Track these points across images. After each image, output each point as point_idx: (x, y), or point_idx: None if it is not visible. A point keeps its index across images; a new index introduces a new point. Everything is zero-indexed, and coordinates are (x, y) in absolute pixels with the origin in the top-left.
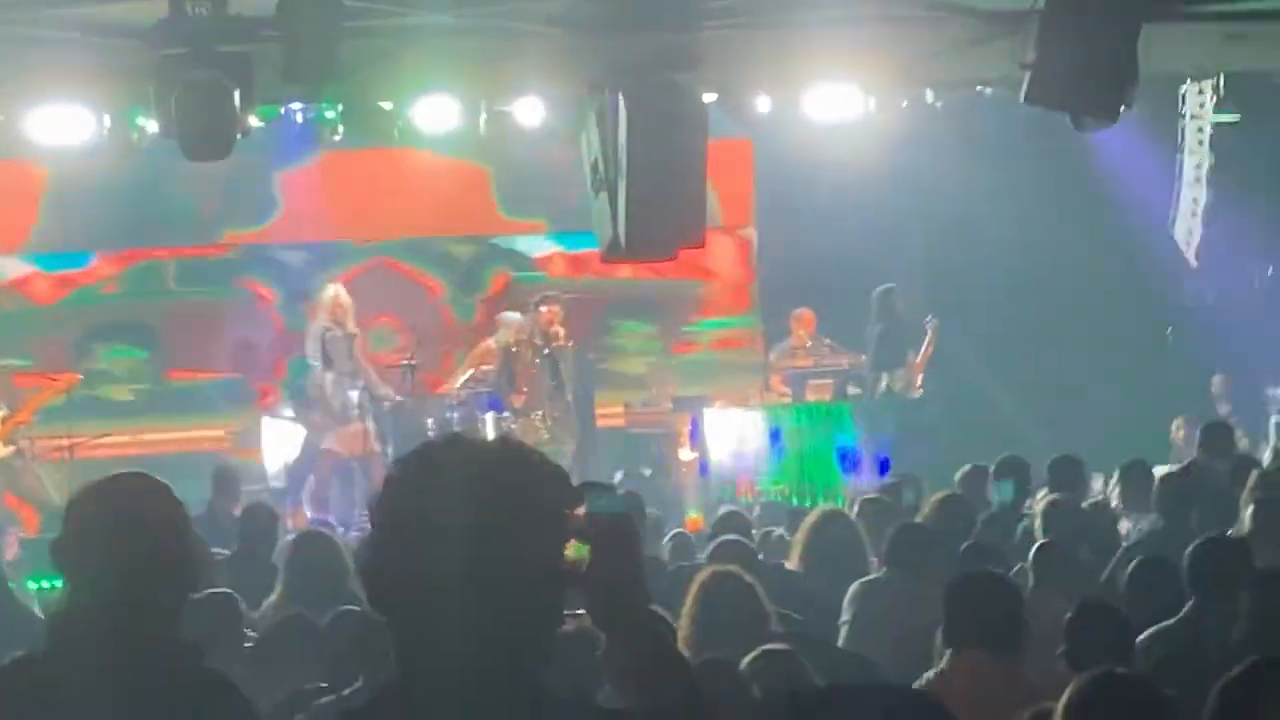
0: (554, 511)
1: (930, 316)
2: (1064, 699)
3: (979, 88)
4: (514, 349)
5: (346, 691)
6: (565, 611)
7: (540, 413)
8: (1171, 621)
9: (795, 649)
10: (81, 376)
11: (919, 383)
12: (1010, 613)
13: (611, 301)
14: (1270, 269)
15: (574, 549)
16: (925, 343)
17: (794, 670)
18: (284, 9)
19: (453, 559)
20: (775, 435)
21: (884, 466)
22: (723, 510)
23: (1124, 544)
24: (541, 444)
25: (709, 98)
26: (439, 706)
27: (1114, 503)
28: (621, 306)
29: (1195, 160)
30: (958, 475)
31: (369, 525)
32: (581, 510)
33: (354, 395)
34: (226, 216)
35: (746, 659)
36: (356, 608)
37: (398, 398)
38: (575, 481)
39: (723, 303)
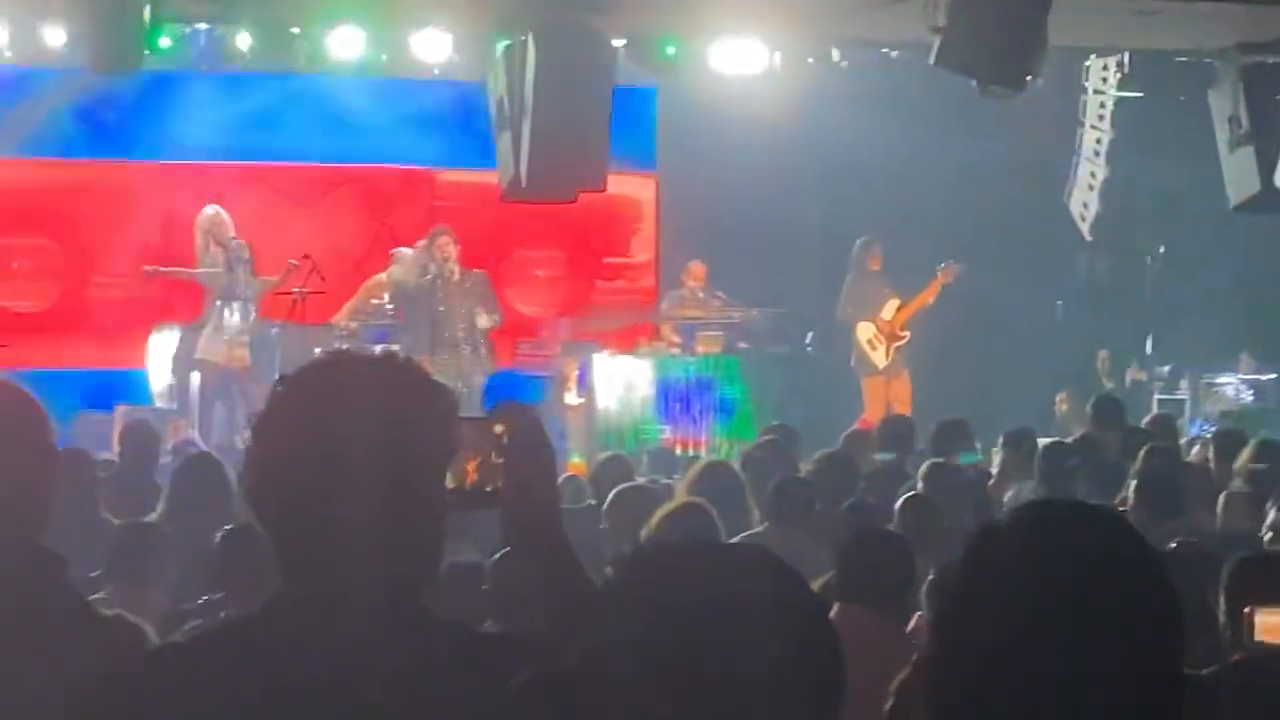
0: (442, 428)
1: (949, 262)
2: None
3: (885, 49)
4: (411, 283)
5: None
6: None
7: (453, 349)
8: None
9: None
10: None
11: (902, 328)
12: (902, 572)
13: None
14: (1162, 248)
15: (469, 469)
16: (925, 289)
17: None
18: None
19: (340, 476)
20: (663, 385)
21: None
22: (605, 456)
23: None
24: (449, 377)
25: (618, 43)
26: (324, 624)
27: (995, 471)
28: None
29: (1096, 135)
30: (842, 435)
31: (253, 442)
32: (500, 429)
33: (235, 312)
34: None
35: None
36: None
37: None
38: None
39: (630, 232)
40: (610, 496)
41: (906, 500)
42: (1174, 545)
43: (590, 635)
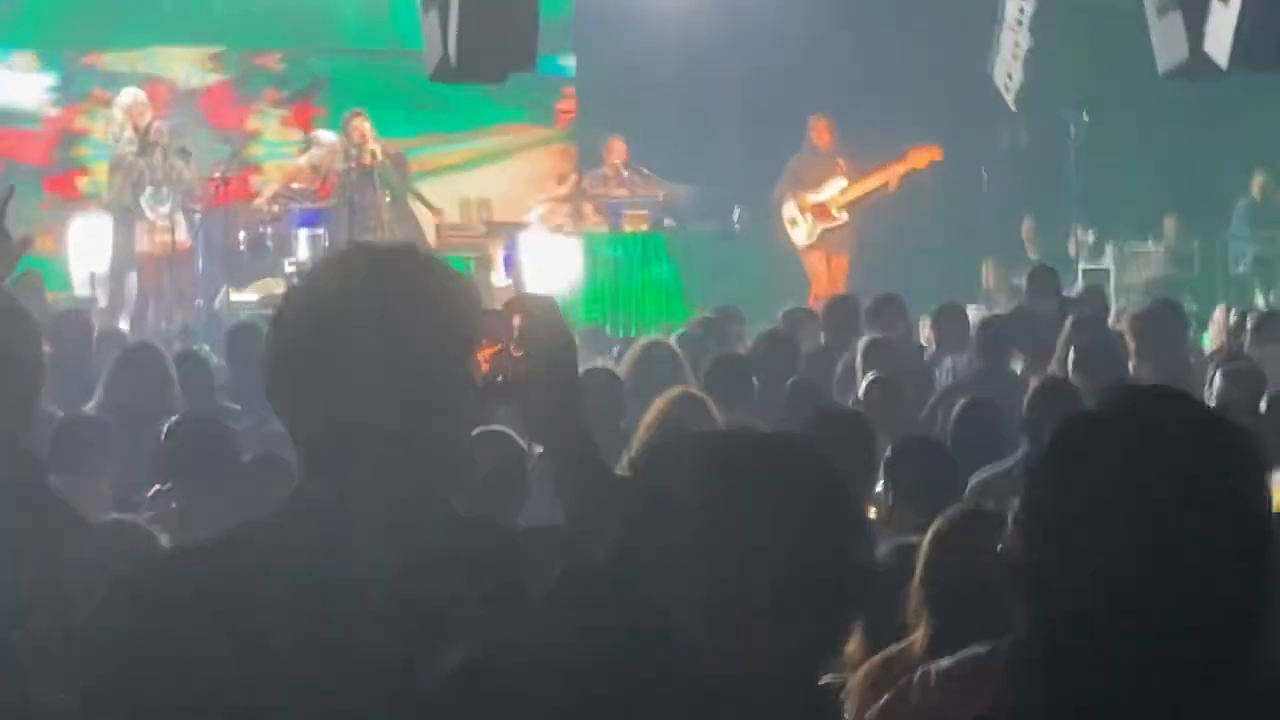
0: (465, 319)
1: (926, 145)
2: (930, 532)
3: None
4: (329, 167)
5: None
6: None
7: (374, 232)
8: (1008, 463)
9: None
10: None
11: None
12: (867, 450)
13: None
14: (1085, 115)
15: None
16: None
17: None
18: None
19: (362, 370)
20: (590, 264)
21: None
22: None
23: (942, 385)
24: None
25: None
26: (348, 521)
27: (927, 343)
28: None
29: (1018, 4)
30: (780, 312)
31: (271, 337)
32: (518, 320)
33: (165, 199)
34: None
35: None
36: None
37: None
38: None
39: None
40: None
41: (872, 382)
42: None
43: (623, 527)
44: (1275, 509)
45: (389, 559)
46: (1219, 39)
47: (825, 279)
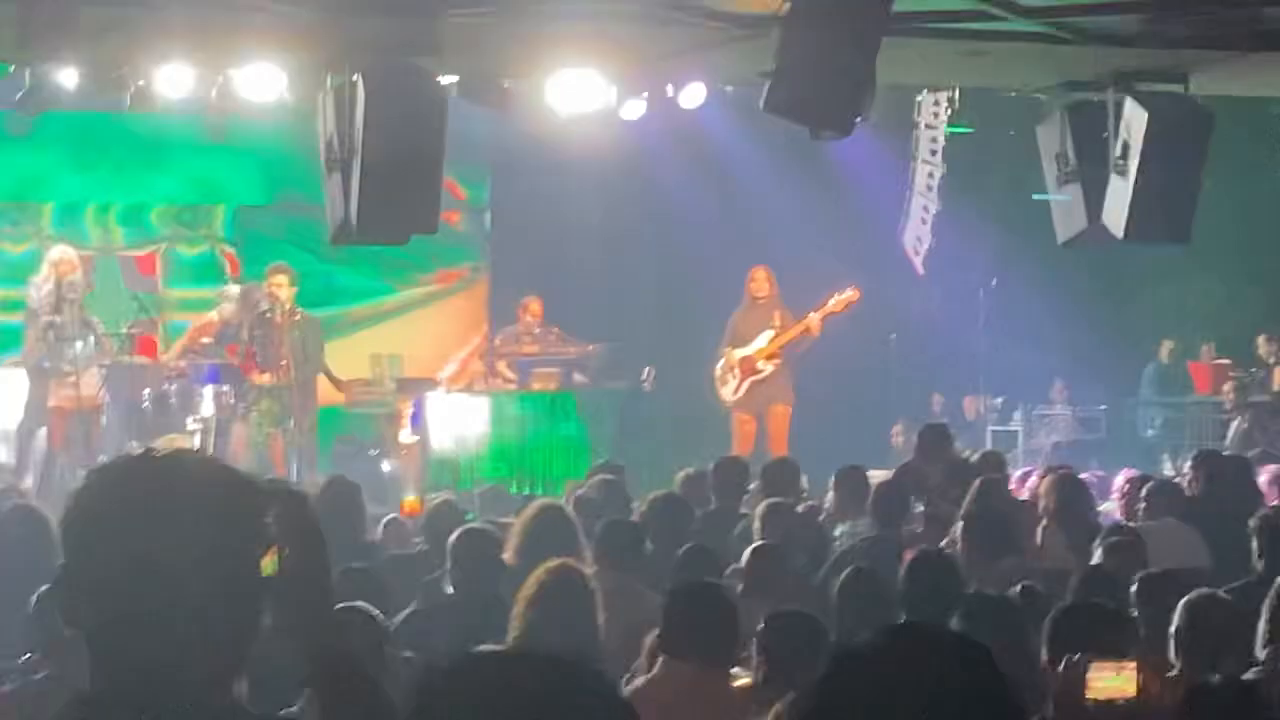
0: (244, 525)
1: (845, 290)
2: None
3: (720, 86)
4: (241, 321)
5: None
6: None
7: (284, 387)
8: None
9: None
10: None
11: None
12: (727, 626)
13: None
14: (995, 280)
15: (268, 560)
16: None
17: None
18: None
19: (150, 579)
20: (498, 422)
21: None
22: (436, 500)
23: (837, 550)
24: (276, 418)
25: (450, 79)
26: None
27: (828, 508)
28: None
29: (928, 169)
30: (678, 477)
31: (62, 544)
32: (269, 517)
33: (79, 348)
34: None
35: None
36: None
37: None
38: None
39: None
40: (452, 539)
41: (754, 550)
42: (1018, 590)
43: None
44: None
45: None
46: (1115, 211)
47: (749, 440)
